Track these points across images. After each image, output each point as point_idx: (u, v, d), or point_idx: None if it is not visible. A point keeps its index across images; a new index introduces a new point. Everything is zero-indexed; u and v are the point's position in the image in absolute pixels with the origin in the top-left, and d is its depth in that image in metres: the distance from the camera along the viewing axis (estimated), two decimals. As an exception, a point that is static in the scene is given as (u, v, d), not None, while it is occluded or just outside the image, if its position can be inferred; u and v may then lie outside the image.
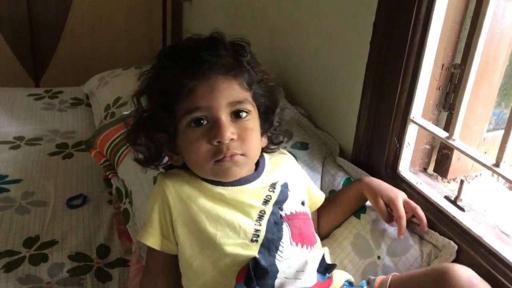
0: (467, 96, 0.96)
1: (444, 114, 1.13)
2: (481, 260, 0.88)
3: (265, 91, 0.91)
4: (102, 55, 2.82)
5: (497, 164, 0.90)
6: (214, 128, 0.81)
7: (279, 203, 0.89)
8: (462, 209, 1.00)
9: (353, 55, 1.22)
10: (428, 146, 1.16)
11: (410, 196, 1.01)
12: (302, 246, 0.87)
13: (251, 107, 0.86)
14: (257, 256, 0.81)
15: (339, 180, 1.18)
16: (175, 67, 0.83)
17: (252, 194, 0.89)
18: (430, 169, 1.18)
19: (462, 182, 1.01)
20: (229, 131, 0.81)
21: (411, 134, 1.10)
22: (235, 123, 0.83)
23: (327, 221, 1.06)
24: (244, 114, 0.84)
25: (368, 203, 1.04)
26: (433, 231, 0.95)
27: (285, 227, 0.87)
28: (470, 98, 1.01)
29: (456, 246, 0.91)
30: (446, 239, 0.93)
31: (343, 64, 1.28)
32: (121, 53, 2.84)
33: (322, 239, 1.05)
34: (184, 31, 2.72)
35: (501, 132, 0.92)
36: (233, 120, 0.83)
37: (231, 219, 0.84)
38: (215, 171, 0.84)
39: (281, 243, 0.84)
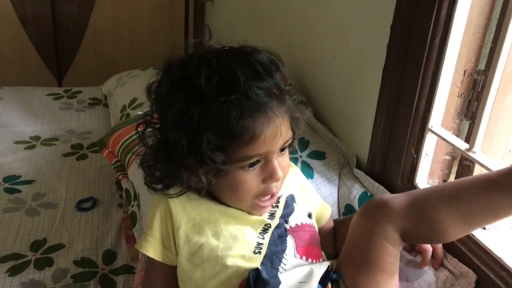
0: (490, 105, 0.89)
1: (466, 123, 1.06)
2: (501, 285, 0.81)
3: (296, 116, 0.83)
4: (125, 55, 2.83)
5: (520, 180, 0.82)
6: (267, 168, 0.77)
7: (284, 216, 0.86)
8: (483, 227, 0.93)
9: (370, 59, 1.16)
10: (448, 157, 1.09)
11: (426, 210, 0.94)
12: (307, 259, 0.83)
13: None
14: (259, 267, 0.77)
15: (355, 193, 1.13)
16: (234, 106, 0.71)
17: None
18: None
19: (483, 197, 0.94)
20: (281, 171, 0.78)
21: (429, 144, 1.03)
22: (279, 157, 0.79)
23: (343, 240, 1.00)
24: (285, 148, 0.81)
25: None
26: (451, 256, 0.89)
27: (290, 239, 0.83)
28: (495, 106, 0.93)
29: (476, 276, 0.84)
30: (466, 267, 0.86)
31: (360, 68, 1.21)
32: (144, 53, 2.84)
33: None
34: (205, 31, 2.70)
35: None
36: (278, 155, 0.79)
37: (234, 231, 0.81)
38: (253, 207, 0.82)
39: (284, 255, 0.81)
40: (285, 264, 0.80)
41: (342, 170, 1.22)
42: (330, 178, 1.19)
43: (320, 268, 0.81)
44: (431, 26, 0.94)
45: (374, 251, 0.77)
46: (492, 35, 0.98)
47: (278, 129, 0.75)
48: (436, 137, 1.02)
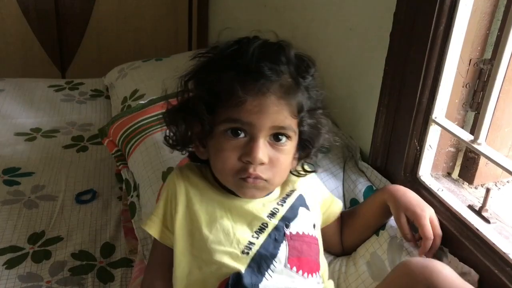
0: (496, 95, 0.86)
1: (472, 114, 1.03)
2: (506, 281, 0.78)
3: (313, 122, 0.83)
4: (128, 47, 2.81)
5: (526, 173, 0.80)
6: (248, 145, 0.75)
7: (286, 219, 0.83)
8: (487, 220, 0.90)
9: (373, 48, 1.13)
10: (452, 149, 1.06)
11: (429, 203, 0.91)
12: (297, 271, 0.80)
13: (293, 134, 0.79)
14: (242, 271, 0.75)
15: (360, 187, 1.10)
16: (232, 70, 0.75)
17: (259, 205, 0.83)
18: (455, 174, 1.08)
19: (488, 190, 0.91)
20: (262, 155, 0.75)
21: (433, 135, 1.00)
22: (271, 146, 0.77)
23: (350, 235, 0.99)
24: (283, 139, 0.78)
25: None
26: (452, 256, 0.85)
27: (284, 246, 0.80)
28: (501, 97, 0.91)
29: (478, 276, 0.81)
30: (467, 267, 0.83)
31: (363, 59, 1.19)
32: (147, 44, 2.81)
33: (346, 253, 0.99)
34: (210, 23, 2.67)
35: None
36: (271, 142, 0.77)
37: (227, 226, 0.80)
38: (236, 186, 0.80)
39: (274, 261, 0.78)
40: (273, 271, 0.78)
41: (346, 163, 1.19)
42: (334, 172, 1.16)
43: (310, 287, 0.79)
44: (435, 13, 0.91)
45: None
46: (499, 23, 0.95)
47: (266, 106, 0.74)
48: (440, 128, 1.00)
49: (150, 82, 1.84)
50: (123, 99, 1.82)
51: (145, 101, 1.53)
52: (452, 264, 0.84)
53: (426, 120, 0.99)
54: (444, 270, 0.74)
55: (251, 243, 0.79)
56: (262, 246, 0.79)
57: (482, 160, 1.01)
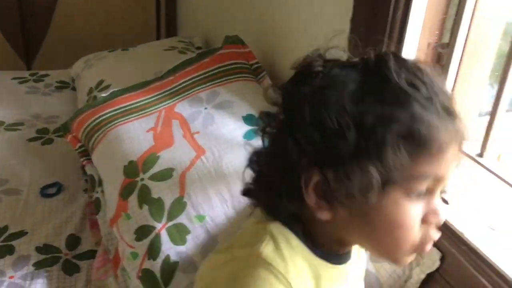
0: (452, 78, 0.88)
1: (432, 98, 1.04)
2: (462, 259, 0.80)
3: None
4: (95, 37, 2.74)
5: (481, 155, 0.81)
6: (430, 202, 0.56)
7: None
8: (445, 201, 0.91)
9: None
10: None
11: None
12: None
13: None
14: None
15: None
16: (432, 112, 0.53)
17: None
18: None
19: (446, 172, 0.93)
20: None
21: (394, 120, 1.02)
22: None
23: None
24: None
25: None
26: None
27: None
28: (459, 80, 0.92)
29: (440, 254, 0.83)
30: None
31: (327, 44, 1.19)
32: (115, 34, 2.76)
33: None
34: (178, 12, 2.64)
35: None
36: None
37: None
38: (401, 256, 0.59)
39: None
40: None
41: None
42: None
43: None
44: (393, -2, 0.92)
45: None
46: (455, 8, 0.96)
47: (458, 153, 0.56)
48: (400, 112, 1.01)
49: (116, 72, 1.81)
50: (89, 90, 1.78)
51: (107, 94, 1.50)
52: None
53: (386, 104, 1.00)
54: None
55: None
56: None
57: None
